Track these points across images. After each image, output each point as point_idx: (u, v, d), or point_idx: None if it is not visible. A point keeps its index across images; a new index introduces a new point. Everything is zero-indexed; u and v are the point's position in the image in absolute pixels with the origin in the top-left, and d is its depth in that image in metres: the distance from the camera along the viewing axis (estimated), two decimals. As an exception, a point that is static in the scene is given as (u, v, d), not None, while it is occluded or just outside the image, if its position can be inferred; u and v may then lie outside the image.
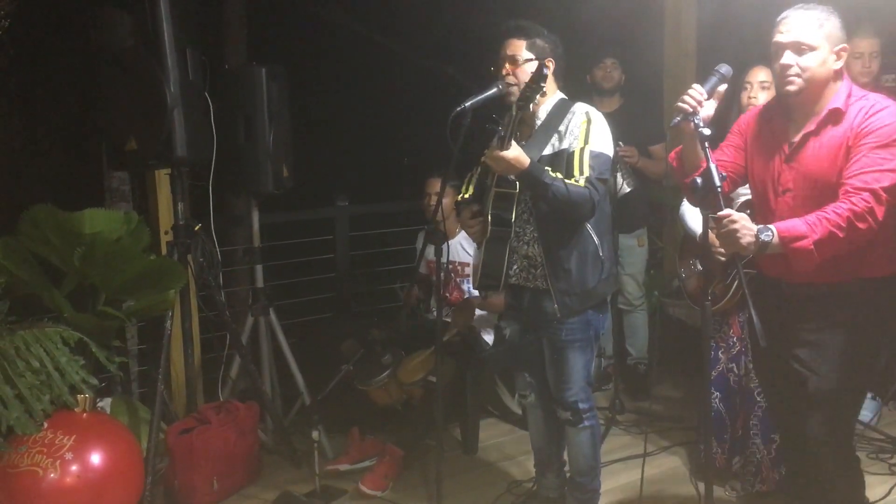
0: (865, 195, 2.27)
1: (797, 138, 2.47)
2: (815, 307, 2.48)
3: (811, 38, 2.36)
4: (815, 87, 2.41)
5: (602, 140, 2.87)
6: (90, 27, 3.40)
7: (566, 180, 2.77)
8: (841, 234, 2.26)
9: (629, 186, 4.28)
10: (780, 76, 2.41)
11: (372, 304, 5.15)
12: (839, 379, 2.48)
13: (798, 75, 2.38)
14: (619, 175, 4.21)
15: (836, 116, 2.40)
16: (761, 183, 2.59)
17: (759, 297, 2.66)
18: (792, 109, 2.51)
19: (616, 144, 4.18)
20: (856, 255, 2.39)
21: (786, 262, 2.39)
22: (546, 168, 2.80)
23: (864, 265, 2.43)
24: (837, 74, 2.43)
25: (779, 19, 2.43)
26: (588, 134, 2.84)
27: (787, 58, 2.38)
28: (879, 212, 2.27)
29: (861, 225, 2.26)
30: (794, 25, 2.38)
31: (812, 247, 2.26)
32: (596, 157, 2.82)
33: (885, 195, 2.28)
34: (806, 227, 2.28)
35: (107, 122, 3.45)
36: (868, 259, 2.42)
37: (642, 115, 4.42)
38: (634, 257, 4.55)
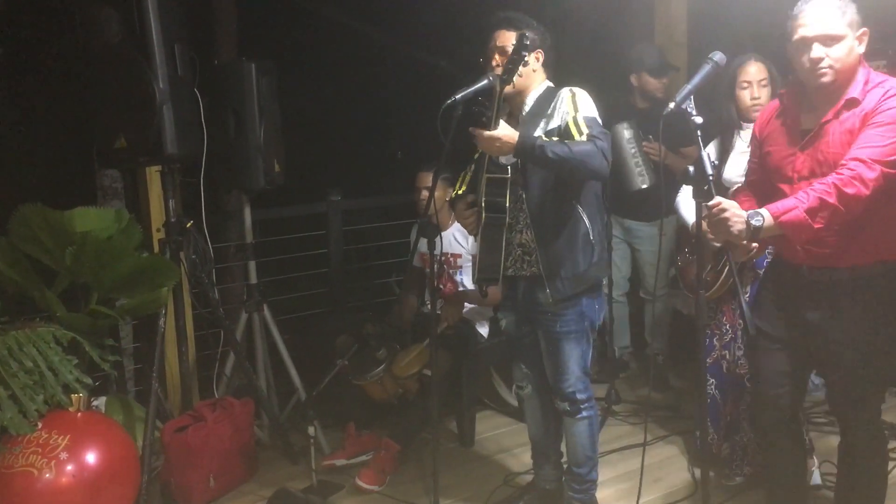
0: (853, 163, 2.28)
1: (815, 126, 2.45)
2: (836, 292, 2.47)
3: (837, 27, 2.34)
4: (845, 76, 2.39)
5: (590, 107, 2.85)
6: (77, 24, 3.36)
7: (566, 141, 2.75)
8: (831, 200, 2.25)
9: (644, 183, 4.27)
10: (812, 69, 2.38)
11: (366, 298, 5.14)
12: (862, 364, 2.47)
13: (830, 66, 2.36)
14: (635, 169, 4.19)
15: (852, 105, 2.39)
16: (777, 171, 2.56)
17: (778, 284, 2.68)
18: (813, 97, 2.48)
19: (646, 138, 4.18)
20: (874, 237, 2.40)
21: (805, 248, 2.39)
22: (537, 135, 2.79)
23: (883, 247, 2.42)
24: (859, 60, 2.42)
25: (796, 12, 2.40)
26: (576, 104, 2.83)
27: (818, 51, 2.35)
28: (868, 176, 2.26)
29: (849, 190, 2.26)
30: (817, 17, 2.35)
31: (804, 215, 2.26)
32: (590, 119, 2.81)
33: (873, 162, 2.27)
34: (794, 200, 2.30)
35: (96, 119, 3.42)
36: (887, 241, 2.42)
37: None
38: (655, 246, 4.46)
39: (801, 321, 2.55)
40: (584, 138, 2.74)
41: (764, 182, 2.65)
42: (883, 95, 2.35)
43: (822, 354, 2.55)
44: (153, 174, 3.85)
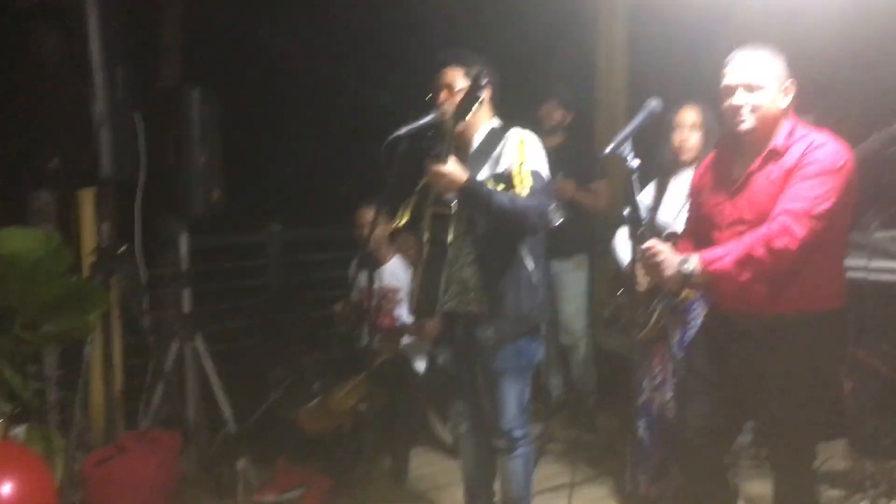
0: (783, 217, 2.36)
1: (742, 176, 2.53)
2: (763, 340, 2.51)
3: (760, 77, 2.44)
4: (767, 124, 2.47)
5: (538, 159, 2.89)
6: (15, 42, 3.29)
7: (508, 193, 2.77)
8: (758, 253, 2.32)
9: (557, 220, 4.31)
10: (733, 115, 2.47)
11: (304, 330, 5.08)
12: (790, 411, 2.51)
13: (752, 112, 2.45)
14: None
15: (775, 155, 2.47)
16: (707, 219, 2.63)
17: (710, 332, 2.73)
18: (743, 147, 2.56)
19: (554, 181, 4.24)
20: (799, 287, 2.45)
21: (735, 296, 2.44)
22: (484, 178, 2.80)
23: (804, 297, 2.47)
24: (784, 112, 2.50)
25: (727, 60, 2.50)
26: (524, 153, 2.86)
27: (739, 97, 2.45)
28: (798, 229, 2.33)
29: (778, 243, 2.33)
30: (742, 66, 2.46)
31: (731, 266, 2.31)
32: (535, 173, 2.84)
33: (803, 216, 2.35)
34: (723, 250, 2.36)
35: (29, 139, 3.34)
36: (807, 291, 2.47)
37: (584, 152, 4.41)
38: (573, 281, 4.52)
39: (732, 367, 2.59)
40: (525, 192, 2.78)
41: (698, 232, 2.71)
42: (807, 148, 2.43)
43: (751, 400, 2.58)
44: (87, 197, 3.76)
